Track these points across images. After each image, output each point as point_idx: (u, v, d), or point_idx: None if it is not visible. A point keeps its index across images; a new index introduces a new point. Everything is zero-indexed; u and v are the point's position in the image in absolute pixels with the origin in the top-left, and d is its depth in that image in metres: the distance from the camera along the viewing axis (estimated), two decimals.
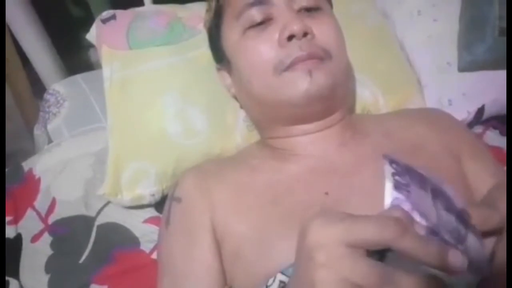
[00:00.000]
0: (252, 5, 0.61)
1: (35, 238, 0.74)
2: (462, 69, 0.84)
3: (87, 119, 0.88)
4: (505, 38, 0.78)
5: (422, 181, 0.37)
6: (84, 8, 1.17)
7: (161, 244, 0.64)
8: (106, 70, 0.80)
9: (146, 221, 0.75)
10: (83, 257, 0.71)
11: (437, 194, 0.36)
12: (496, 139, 0.86)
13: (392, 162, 0.39)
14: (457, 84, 0.84)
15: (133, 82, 0.78)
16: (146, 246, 0.73)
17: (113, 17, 0.84)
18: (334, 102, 0.61)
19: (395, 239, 0.30)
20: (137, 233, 0.74)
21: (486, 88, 0.83)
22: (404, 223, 0.31)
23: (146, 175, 0.73)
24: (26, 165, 0.84)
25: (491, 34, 0.80)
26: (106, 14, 0.85)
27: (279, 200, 0.57)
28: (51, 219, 0.75)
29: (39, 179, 0.80)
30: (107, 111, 0.79)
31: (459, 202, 0.37)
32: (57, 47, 1.02)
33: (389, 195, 0.35)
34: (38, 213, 0.76)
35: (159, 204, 0.75)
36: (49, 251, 0.72)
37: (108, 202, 0.76)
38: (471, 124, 0.85)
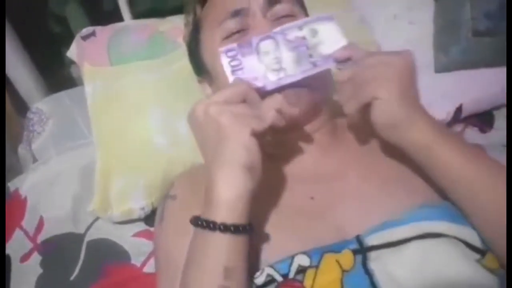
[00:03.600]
0: (229, 15, 0.62)
1: (24, 258, 0.73)
2: (438, 70, 0.86)
3: (72, 136, 0.88)
4: (479, 39, 0.81)
5: (249, 49, 0.56)
6: (63, 24, 1.17)
7: (157, 241, 0.64)
8: (89, 87, 0.81)
9: (136, 235, 0.75)
10: (74, 274, 0.71)
11: (258, 47, 0.56)
12: (476, 136, 0.88)
13: (227, 51, 0.56)
14: (435, 85, 0.86)
15: (117, 98, 0.79)
16: (136, 260, 0.73)
17: (93, 33, 0.85)
18: (314, 103, 0.62)
19: (241, 92, 0.50)
20: (127, 247, 0.74)
21: (463, 88, 0.86)
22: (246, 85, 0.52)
23: (135, 189, 0.74)
24: (12, 185, 0.83)
25: (465, 36, 0.83)
26: (85, 31, 0.86)
27: (267, 203, 0.58)
28: (39, 238, 0.75)
29: (25, 198, 0.80)
30: (92, 127, 0.79)
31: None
32: (38, 65, 1.02)
33: (231, 78, 0.55)
34: (26, 233, 0.76)
35: (149, 218, 0.75)
36: (39, 270, 0.72)
37: (97, 218, 0.76)
38: (451, 123, 0.87)
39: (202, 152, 0.53)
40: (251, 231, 0.48)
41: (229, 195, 0.47)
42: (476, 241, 0.49)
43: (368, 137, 0.64)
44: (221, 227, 0.46)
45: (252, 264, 0.52)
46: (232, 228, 0.46)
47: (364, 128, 0.66)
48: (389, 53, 0.57)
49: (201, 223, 0.48)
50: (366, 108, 0.51)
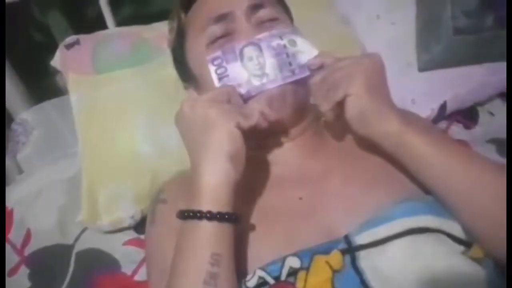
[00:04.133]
0: (213, 20, 0.62)
1: (11, 272, 0.72)
2: (421, 68, 0.87)
3: (57, 146, 0.88)
4: (461, 37, 0.82)
5: (233, 55, 0.59)
6: (46, 32, 1.16)
7: (148, 244, 0.64)
8: (74, 96, 0.80)
9: (126, 243, 0.75)
10: (64, 286, 0.70)
11: (242, 53, 0.59)
12: (460, 132, 0.89)
13: (213, 60, 0.59)
14: (419, 84, 0.87)
15: (102, 106, 0.78)
16: (127, 268, 0.72)
17: (77, 42, 0.84)
18: (298, 106, 0.63)
19: (227, 92, 0.54)
20: (117, 256, 0.74)
21: (447, 85, 0.87)
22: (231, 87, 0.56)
23: (123, 198, 0.73)
24: None
25: (446, 34, 0.84)
26: (69, 39, 0.85)
27: (256, 205, 0.59)
28: (27, 251, 0.74)
29: (11, 211, 0.79)
30: (78, 137, 0.79)
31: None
32: (21, 74, 1.00)
33: (218, 85, 0.58)
34: (13, 246, 0.75)
35: (139, 226, 0.75)
36: (27, 284, 0.71)
37: (86, 228, 0.75)
38: (435, 120, 0.88)
39: (188, 149, 0.55)
40: (236, 220, 0.50)
41: (213, 182, 0.49)
42: (461, 233, 0.50)
43: (349, 136, 0.65)
44: (207, 215, 0.48)
45: (243, 266, 0.52)
46: (218, 216, 0.48)
47: (344, 128, 0.67)
48: (357, 56, 0.63)
49: (188, 214, 0.49)
50: (340, 106, 0.54)
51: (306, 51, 0.60)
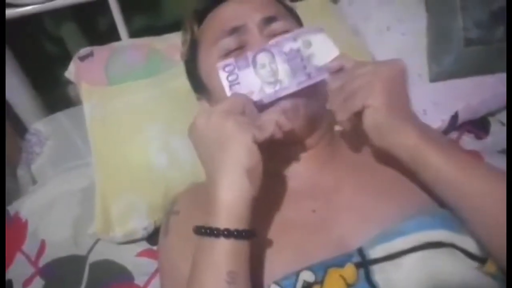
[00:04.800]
0: (227, 33, 0.63)
1: (26, 283, 0.73)
2: (432, 79, 0.87)
3: (71, 156, 0.88)
4: (472, 48, 0.82)
5: (245, 62, 0.57)
6: (59, 45, 1.18)
7: (161, 255, 0.64)
8: (87, 107, 0.81)
9: (139, 254, 0.75)
10: None
11: (254, 60, 0.58)
12: (471, 143, 0.89)
13: (224, 66, 0.57)
14: (430, 94, 0.87)
15: (115, 117, 0.79)
16: (140, 280, 0.72)
17: (91, 54, 0.85)
18: (311, 117, 0.63)
19: (241, 103, 0.53)
20: (130, 267, 0.74)
21: (458, 96, 0.87)
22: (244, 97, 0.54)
23: (137, 209, 0.73)
24: (11, 208, 0.83)
25: (457, 46, 0.84)
26: (83, 51, 0.86)
27: (269, 218, 0.58)
28: (41, 262, 0.75)
29: (26, 222, 0.80)
30: (91, 148, 0.79)
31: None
32: (35, 86, 1.02)
33: (229, 93, 0.56)
34: (28, 257, 0.75)
35: (152, 237, 0.75)
36: None
37: (99, 239, 0.76)
38: (447, 131, 0.88)
39: (203, 163, 0.54)
40: (253, 236, 0.50)
41: (230, 198, 0.48)
42: (474, 249, 0.49)
43: (363, 148, 0.64)
44: (225, 232, 0.48)
45: (258, 281, 0.52)
46: (235, 233, 0.48)
47: (358, 139, 0.67)
48: (378, 62, 0.59)
49: (205, 231, 0.49)
50: (357, 117, 0.53)
51: (325, 51, 0.57)
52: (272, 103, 0.57)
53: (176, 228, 0.62)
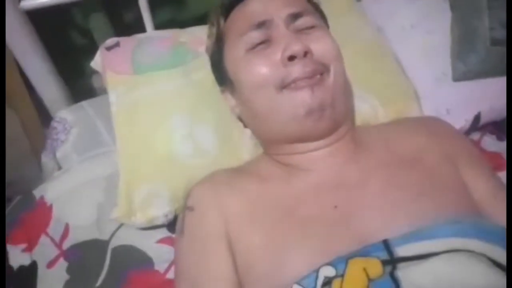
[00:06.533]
0: (254, 27, 0.63)
1: (50, 264, 0.75)
2: (456, 79, 0.87)
3: (95, 144, 0.90)
4: (497, 48, 0.82)
5: None
6: (87, 36, 1.20)
7: (177, 254, 0.65)
8: (112, 95, 0.83)
9: (160, 241, 0.76)
10: (99, 281, 0.72)
11: None
12: (493, 144, 0.88)
13: None
14: (453, 94, 0.86)
15: (140, 106, 0.80)
16: (160, 266, 0.74)
17: (117, 44, 0.87)
18: (336, 117, 0.63)
19: None
20: (151, 253, 0.75)
21: (482, 96, 0.86)
22: None
23: (158, 196, 0.75)
24: (37, 192, 0.85)
25: (483, 45, 0.83)
26: (110, 41, 0.88)
27: (290, 213, 0.59)
28: (65, 245, 0.76)
29: (51, 206, 0.81)
30: (116, 135, 0.81)
31: None
32: (62, 75, 1.04)
33: None
34: (52, 239, 0.77)
35: (172, 224, 0.76)
36: (65, 277, 0.73)
37: (121, 225, 0.77)
38: (468, 131, 0.87)
39: None
40: None
41: None
42: (504, 260, 0.49)
43: (393, 147, 0.64)
44: None
45: (280, 280, 0.52)
46: None
47: (387, 137, 0.67)
48: None
49: None
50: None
51: None
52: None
53: (191, 228, 0.63)
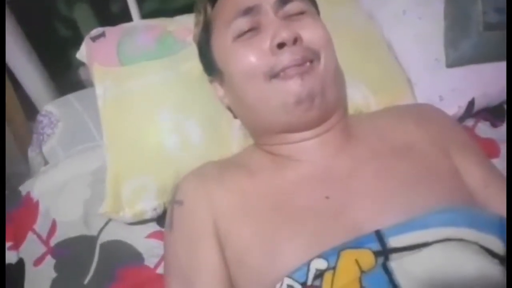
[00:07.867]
0: (241, 13, 0.62)
1: (37, 262, 0.73)
2: (450, 65, 0.85)
3: (82, 138, 0.88)
4: (491, 33, 0.80)
5: None
6: (72, 27, 1.17)
7: (166, 248, 0.64)
8: (99, 88, 0.81)
9: (149, 236, 0.75)
10: (88, 278, 0.71)
11: None
12: (487, 130, 0.87)
13: None
14: (446, 80, 0.85)
15: (127, 99, 0.78)
16: (150, 262, 0.73)
17: (103, 34, 0.85)
18: (327, 106, 0.62)
19: None
20: (140, 249, 0.74)
21: (475, 82, 0.85)
22: None
23: (147, 190, 0.73)
24: (23, 189, 0.83)
25: (475, 30, 0.82)
26: (95, 32, 0.86)
27: (281, 205, 0.58)
28: (52, 241, 0.75)
29: (37, 202, 0.80)
30: (103, 129, 0.79)
31: None
32: (47, 68, 1.02)
33: None
34: (39, 236, 0.76)
35: (161, 218, 0.75)
36: (53, 274, 0.71)
37: (109, 220, 0.76)
38: (462, 118, 0.86)
39: None
40: None
41: None
42: (499, 249, 0.48)
43: (387, 136, 0.63)
44: None
45: (272, 273, 0.51)
46: None
47: (380, 128, 0.66)
48: None
49: None
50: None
51: None
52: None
53: (180, 222, 0.62)
